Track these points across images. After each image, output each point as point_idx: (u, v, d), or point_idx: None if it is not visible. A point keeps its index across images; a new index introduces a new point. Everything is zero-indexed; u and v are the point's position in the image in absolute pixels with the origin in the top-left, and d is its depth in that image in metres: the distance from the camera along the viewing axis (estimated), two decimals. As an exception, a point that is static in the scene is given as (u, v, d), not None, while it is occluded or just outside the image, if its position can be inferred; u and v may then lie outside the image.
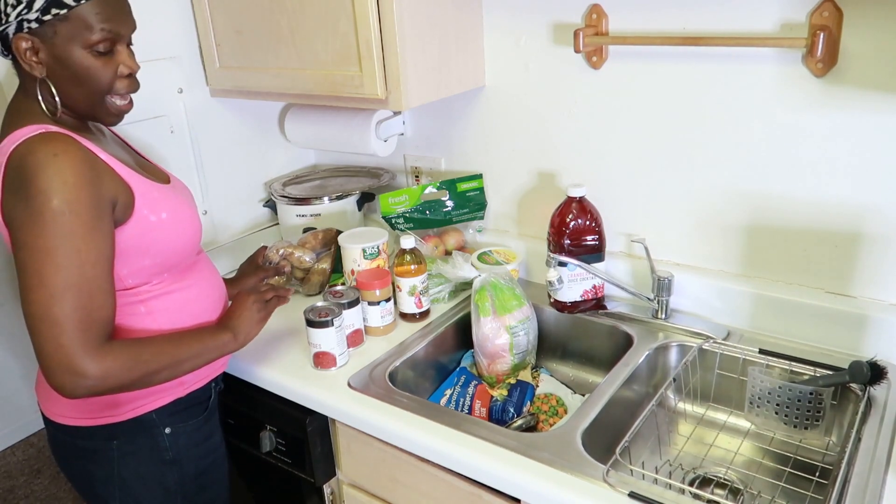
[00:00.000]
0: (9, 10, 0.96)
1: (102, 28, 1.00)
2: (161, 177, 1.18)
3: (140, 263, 1.09)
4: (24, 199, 0.95)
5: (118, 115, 1.08)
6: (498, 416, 1.33)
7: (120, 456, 1.15)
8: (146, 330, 1.11)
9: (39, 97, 1.02)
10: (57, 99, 1.03)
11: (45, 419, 1.18)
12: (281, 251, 1.54)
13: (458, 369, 1.46)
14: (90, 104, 1.05)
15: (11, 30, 0.98)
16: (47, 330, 0.95)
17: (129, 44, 1.07)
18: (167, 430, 1.17)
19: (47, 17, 0.97)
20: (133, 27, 1.07)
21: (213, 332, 1.13)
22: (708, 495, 0.98)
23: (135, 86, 1.08)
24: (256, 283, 1.42)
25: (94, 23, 0.99)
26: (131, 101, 1.09)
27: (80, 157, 0.97)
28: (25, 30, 0.98)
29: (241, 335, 1.15)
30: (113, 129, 1.24)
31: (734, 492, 1.16)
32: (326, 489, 1.36)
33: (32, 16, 0.97)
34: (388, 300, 1.39)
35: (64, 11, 0.97)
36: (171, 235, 1.11)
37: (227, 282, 1.49)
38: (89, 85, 1.03)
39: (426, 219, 1.62)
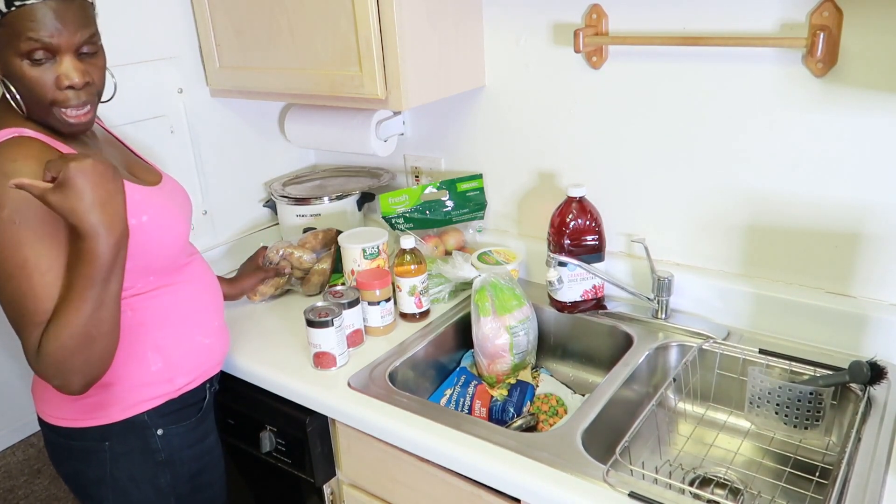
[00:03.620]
0: None
1: (30, 37, 0.94)
2: (151, 178, 1.17)
3: None
4: None
5: (69, 127, 1.01)
6: (498, 416, 1.33)
7: (112, 457, 1.14)
8: (135, 332, 1.11)
9: (6, 96, 1.00)
10: (19, 99, 0.99)
11: (40, 420, 1.18)
12: (281, 251, 1.54)
13: (458, 369, 1.46)
14: (40, 113, 1.00)
15: None
16: (18, 336, 0.96)
17: (82, 53, 0.99)
18: (159, 432, 1.17)
19: None
20: (82, 37, 0.98)
21: (80, 256, 0.93)
22: (708, 495, 0.98)
23: (80, 98, 1.00)
24: None
25: (22, 31, 0.93)
26: (88, 113, 1.02)
27: (42, 164, 0.94)
28: None
29: (94, 228, 0.90)
30: (109, 128, 1.23)
31: (734, 492, 1.16)
32: (326, 489, 1.36)
33: None
34: (388, 300, 1.39)
35: None
36: (153, 238, 1.09)
37: (227, 282, 1.49)
38: (30, 93, 0.98)
39: (426, 219, 1.62)
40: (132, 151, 1.24)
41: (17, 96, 0.99)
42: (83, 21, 0.98)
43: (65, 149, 1.02)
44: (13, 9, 0.93)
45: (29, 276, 0.94)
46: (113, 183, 0.92)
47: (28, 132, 0.99)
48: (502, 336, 1.36)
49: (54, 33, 0.95)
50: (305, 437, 1.28)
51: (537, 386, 1.39)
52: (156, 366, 1.15)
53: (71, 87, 0.98)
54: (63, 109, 1.00)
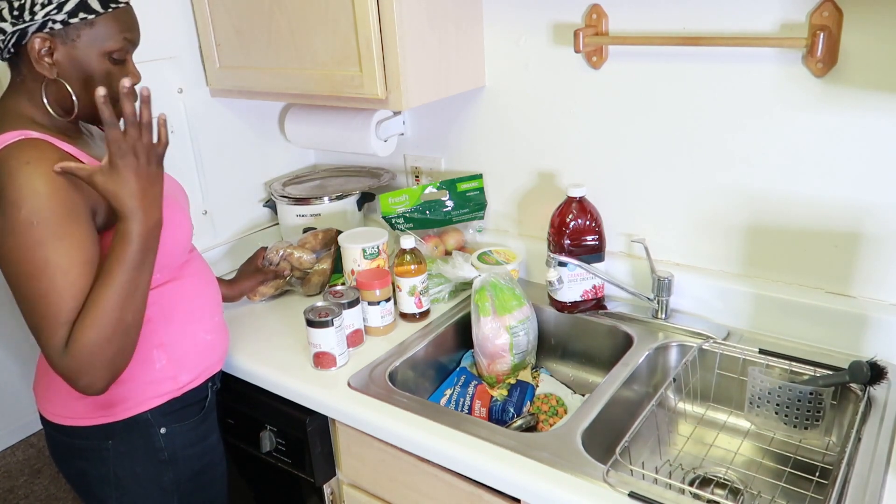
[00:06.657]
0: (37, 8, 0.97)
1: (124, 37, 1.03)
2: None
3: None
4: None
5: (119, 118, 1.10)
6: (498, 416, 1.33)
7: (115, 456, 1.15)
8: (142, 329, 1.11)
9: (44, 98, 1.02)
10: (75, 99, 1.03)
11: (42, 419, 1.18)
12: (281, 252, 1.54)
13: (458, 369, 1.46)
14: (94, 111, 1.04)
15: (33, 28, 0.98)
16: (37, 338, 0.97)
17: None
18: (162, 431, 1.17)
19: (74, 21, 0.98)
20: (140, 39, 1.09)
21: (117, 238, 0.99)
22: (708, 495, 0.98)
23: (134, 96, 1.08)
24: None
25: (116, 31, 1.02)
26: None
27: (53, 164, 0.97)
28: (47, 30, 0.98)
29: (133, 212, 0.97)
30: None
31: (734, 492, 1.16)
32: (326, 489, 1.36)
33: (60, 17, 0.97)
34: (388, 300, 1.39)
35: (92, 17, 0.99)
36: (163, 233, 1.09)
37: (226, 283, 1.50)
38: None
39: (426, 219, 1.62)
40: None
41: (74, 97, 1.03)
42: None
43: (72, 149, 1.03)
44: (110, 10, 1.01)
45: (52, 275, 0.95)
46: (155, 172, 1.01)
47: (34, 134, 1.00)
48: (502, 336, 1.36)
49: (137, 34, 1.07)
50: (305, 437, 1.28)
51: (537, 386, 1.39)
52: (160, 363, 1.15)
53: (134, 85, 1.07)
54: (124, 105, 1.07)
